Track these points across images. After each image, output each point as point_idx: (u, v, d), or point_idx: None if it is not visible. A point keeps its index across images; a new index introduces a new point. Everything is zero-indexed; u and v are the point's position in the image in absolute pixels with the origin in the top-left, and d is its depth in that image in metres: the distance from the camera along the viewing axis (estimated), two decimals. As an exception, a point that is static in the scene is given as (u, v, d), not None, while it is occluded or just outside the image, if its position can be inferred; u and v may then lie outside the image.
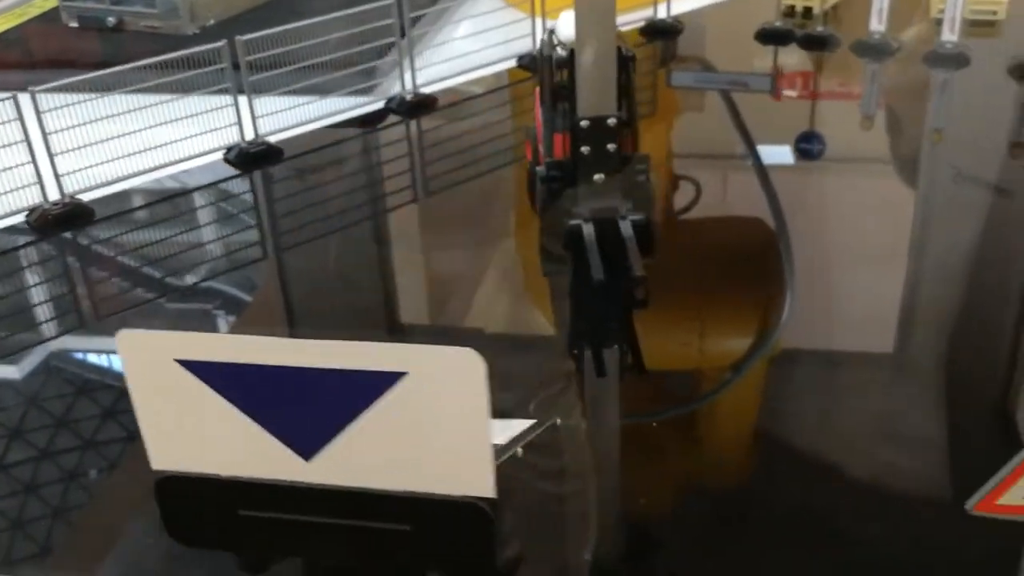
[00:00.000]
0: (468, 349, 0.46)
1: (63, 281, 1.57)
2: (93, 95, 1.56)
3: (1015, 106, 2.02)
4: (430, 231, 1.73)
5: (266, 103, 1.73)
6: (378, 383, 0.47)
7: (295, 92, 1.77)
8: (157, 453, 0.53)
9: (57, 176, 1.54)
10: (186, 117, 1.64)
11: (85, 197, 1.59)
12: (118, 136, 1.59)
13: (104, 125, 1.57)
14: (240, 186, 1.76)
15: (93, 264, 1.61)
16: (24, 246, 1.56)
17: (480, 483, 0.49)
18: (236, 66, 1.67)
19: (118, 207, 1.64)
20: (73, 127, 1.54)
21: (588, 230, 1.31)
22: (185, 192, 1.74)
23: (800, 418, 1.16)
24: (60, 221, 1.56)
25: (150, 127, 1.62)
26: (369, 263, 1.64)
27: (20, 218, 1.56)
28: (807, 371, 1.26)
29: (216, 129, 1.68)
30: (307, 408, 0.49)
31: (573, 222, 1.33)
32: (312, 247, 1.60)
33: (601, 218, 1.33)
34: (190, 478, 0.53)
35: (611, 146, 1.32)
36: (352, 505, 0.50)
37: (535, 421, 0.88)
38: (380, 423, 0.48)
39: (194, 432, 0.51)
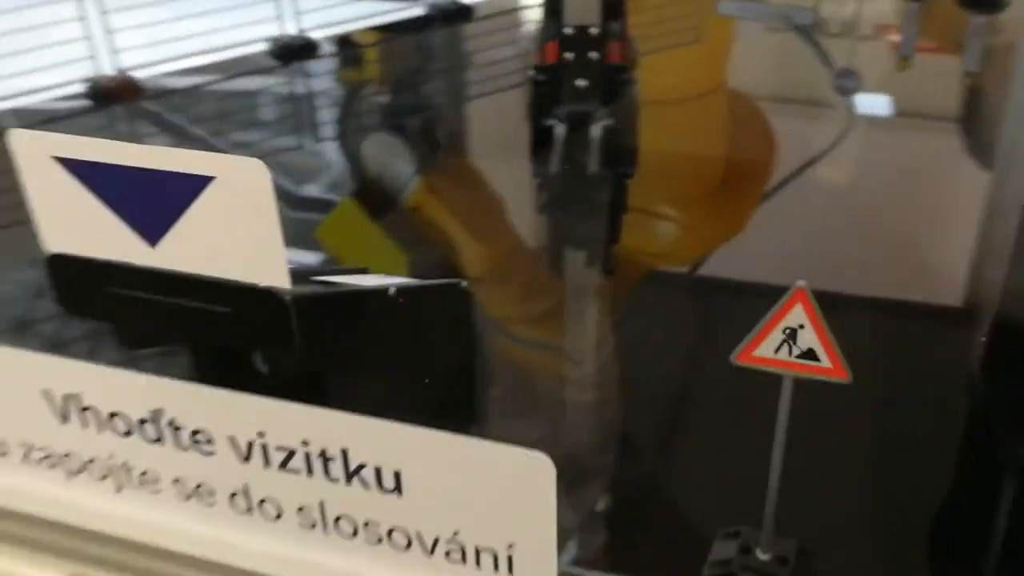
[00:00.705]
0: (256, 160, 0.58)
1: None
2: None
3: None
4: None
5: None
6: (196, 184, 0.59)
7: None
8: (47, 236, 0.66)
9: (111, 52, 1.71)
10: (232, 8, 1.78)
11: (137, 73, 1.76)
12: (168, 20, 1.75)
13: (156, 10, 1.72)
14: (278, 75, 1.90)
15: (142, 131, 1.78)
16: (80, 113, 1.74)
17: (278, 277, 0.62)
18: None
19: (166, 84, 1.81)
20: (129, 9, 1.69)
21: (560, 130, 1.40)
22: (228, 77, 1.89)
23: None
24: (112, 93, 1.73)
25: (200, 14, 1.77)
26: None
27: (80, 87, 1.74)
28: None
29: (258, 22, 1.82)
30: (150, 204, 0.62)
31: (548, 121, 1.42)
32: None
33: (573, 120, 1.42)
34: (70, 258, 0.67)
35: (593, 55, 1.42)
36: (184, 287, 0.63)
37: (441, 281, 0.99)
38: (199, 218, 0.60)
39: (70, 219, 0.65)
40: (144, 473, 0.75)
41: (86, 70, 1.71)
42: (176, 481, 0.74)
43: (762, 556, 0.74)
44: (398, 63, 2.06)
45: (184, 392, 0.68)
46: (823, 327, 0.63)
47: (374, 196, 1.60)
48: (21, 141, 0.61)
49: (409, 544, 0.68)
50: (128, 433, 0.73)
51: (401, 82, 2.00)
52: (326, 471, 0.67)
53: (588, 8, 1.40)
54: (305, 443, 0.67)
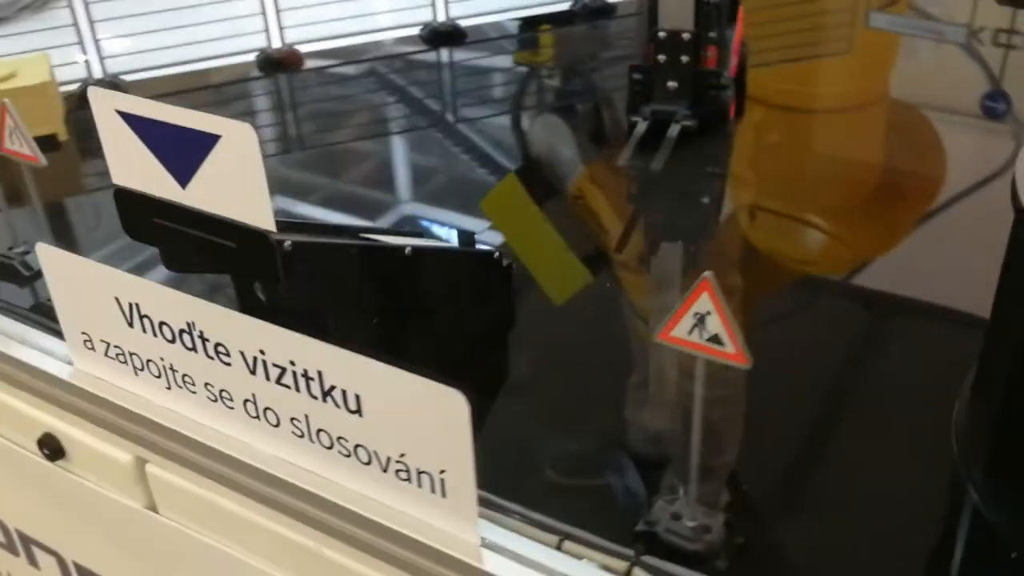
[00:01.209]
0: (244, 125, 0.72)
1: (275, 112, 1.97)
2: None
3: None
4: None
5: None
6: (208, 141, 0.74)
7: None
8: (113, 172, 0.83)
9: (280, 27, 1.93)
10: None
11: (301, 47, 1.97)
12: (331, 2, 1.94)
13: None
14: (428, 57, 2.06)
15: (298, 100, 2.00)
16: (249, 80, 1.97)
17: (264, 221, 0.75)
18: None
19: (323, 60, 2.01)
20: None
21: (640, 127, 1.48)
22: (378, 58, 2.06)
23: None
24: (277, 63, 1.95)
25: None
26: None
27: (251, 57, 1.96)
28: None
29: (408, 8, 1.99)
30: (180, 153, 0.77)
31: (633, 118, 1.52)
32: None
33: (656, 117, 1.51)
34: (128, 191, 0.83)
35: (684, 58, 1.49)
36: (206, 223, 0.78)
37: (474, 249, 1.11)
38: (213, 168, 0.74)
39: (128, 160, 0.81)
40: (185, 376, 0.91)
41: (260, 42, 1.94)
42: (207, 385, 0.90)
43: (688, 523, 0.82)
44: (572, 49, 2.16)
45: (207, 310, 0.84)
46: (726, 315, 0.70)
47: (537, 176, 1.69)
48: (96, 96, 0.78)
49: (369, 461, 0.81)
50: (172, 340, 0.89)
51: (572, 69, 2.12)
52: (308, 389, 0.81)
53: (681, 14, 1.47)
54: (292, 363, 0.80)
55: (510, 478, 0.93)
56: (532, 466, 0.98)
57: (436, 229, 1.54)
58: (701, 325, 0.72)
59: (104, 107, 0.77)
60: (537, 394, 1.09)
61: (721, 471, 0.93)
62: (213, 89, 1.99)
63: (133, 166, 0.79)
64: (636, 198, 1.53)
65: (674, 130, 1.48)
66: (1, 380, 1.12)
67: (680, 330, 0.73)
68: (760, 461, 0.97)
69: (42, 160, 1.11)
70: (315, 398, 0.81)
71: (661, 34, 1.49)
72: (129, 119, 0.76)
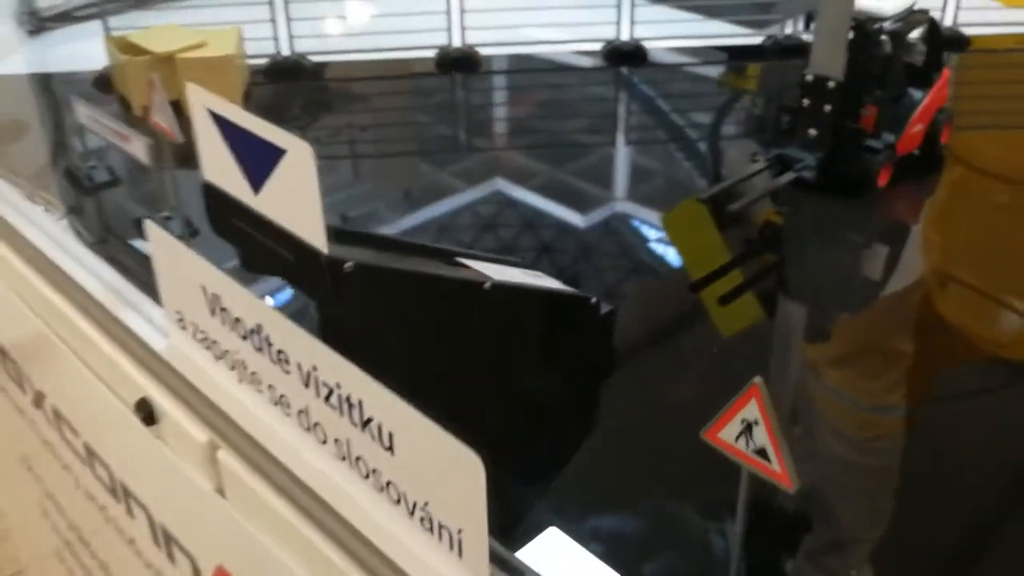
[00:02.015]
0: (303, 143, 0.70)
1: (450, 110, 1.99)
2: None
3: None
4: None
5: (648, 11, 1.95)
6: (277, 153, 0.73)
7: (683, 6, 1.96)
8: (203, 167, 0.84)
9: (463, 28, 1.93)
10: (574, 7, 1.93)
11: (481, 50, 1.97)
12: (516, 9, 1.93)
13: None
14: (603, 76, 2.02)
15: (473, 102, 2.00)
16: (424, 75, 2.00)
17: (316, 239, 0.74)
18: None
19: (499, 65, 2.00)
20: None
21: (756, 166, 1.44)
22: (556, 69, 2.04)
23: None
24: (455, 63, 1.96)
25: (545, 8, 1.93)
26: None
27: (431, 53, 1.98)
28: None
29: (593, 23, 1.94)
30: (254, 159, 0.76)
31: (754, 155, 1.48)
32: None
33: (779, 162, 1.45)
34: (214, 187, 0.84)
35: (828, 107, 1.41)
36: (273, 232, 0.78)
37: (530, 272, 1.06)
38: (280, 180, 0.74)
39: (215, 158, 0.81)
40: (253, 373, 0.92)
41: (440, 39, 1.95)
42: (270, 387, 0.90)
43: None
44: (776, 79, 2.09)
45: (271, 316, 0.84)
46: (774, 428, 0.63)
47: (723, 200, 1.67)
48: (192, 93, 0.79)
49: (399, 500, 0.79)
50: (244, 338, 0.90)
51: (773, 100, 2.04)
52: (350, 415, 0.79)
53: (830, 60, 1.39)
54: (338, 386, 0.79)
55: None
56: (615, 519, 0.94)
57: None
58: (748, 434, 0.65)
59: (198, 105, 0.78)
60: (636, 444, 1.04)
61: (863, 545, 0.86)
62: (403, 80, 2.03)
63: (219, 165, 0.80)
64: (746, 244, 1.45)
65: (786, 177, 1.43)
66: (114, 340, 1.18)
67: (727, 433, 0.66)
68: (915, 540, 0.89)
69: (178, 136, 1.15)
70: (355, 425, 0.79)
71: (808, 77, 1.43)
72: (219, 120, 0.77)
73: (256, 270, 0.89)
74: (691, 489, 0.99)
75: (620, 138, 1.86)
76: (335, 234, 0.75)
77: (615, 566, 0.87)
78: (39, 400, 1.58)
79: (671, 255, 1.42)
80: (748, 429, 0.66)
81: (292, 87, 1.97)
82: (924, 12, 1.50)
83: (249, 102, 1.84)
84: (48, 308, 1.34)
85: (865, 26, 1.41)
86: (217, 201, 0.82)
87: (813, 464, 1.00)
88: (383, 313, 0.81)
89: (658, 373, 1.16)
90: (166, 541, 1.30)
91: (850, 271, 1.40)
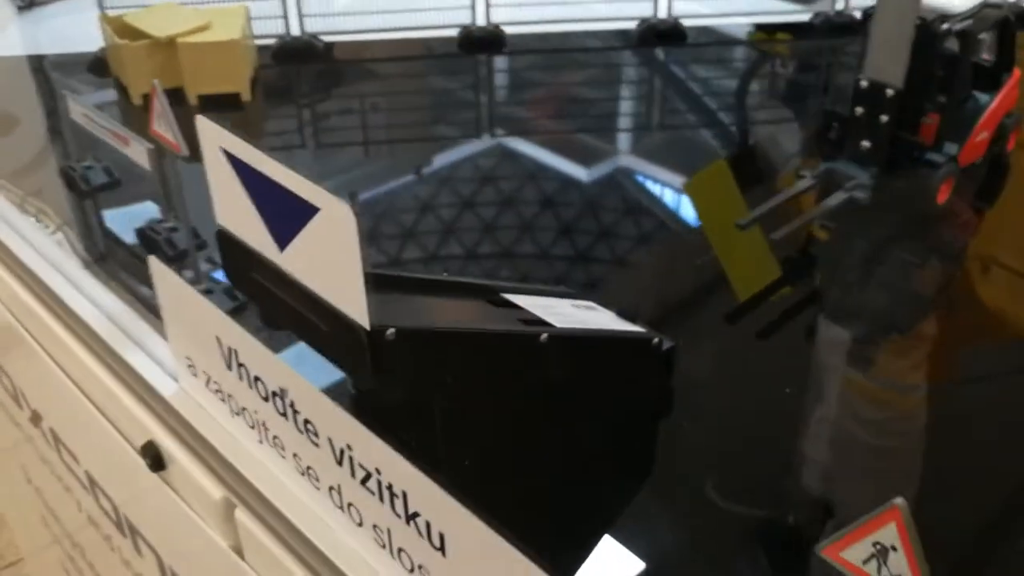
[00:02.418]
0: (341, 204, 0.58)
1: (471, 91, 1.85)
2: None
3: None
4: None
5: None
6: (309, 210, 0.61)
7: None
8: (217, 211, 0.72)
9: (488, 5, 1.80)
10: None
11: (507, 28, 1.83)
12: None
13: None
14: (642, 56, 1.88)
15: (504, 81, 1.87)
16: (445, 56, 1.86)
17: (357, 312, 0.61)
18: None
19: (526, 44, 1.86)
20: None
21: (804, 183, 1.28)
22: (589, 49, 1.90)
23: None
24: (481, 42, 1.83)
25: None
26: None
27: (452, 32, 1.85)
28: None
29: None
30: (281, 213, 0.64)
31: (801, 172, 1.30)
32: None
33: (827, 177, 1.27)
34: (228, 235, 0.72)
35: (884, 117, 1.22)
36: (300, 294, 0.66)
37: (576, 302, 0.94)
38: (312, 239, 0.62)
39: (230, 203, 0.69)
40: (276, 437, 0.81)
41: (463, 18, 1.82)
42: (295, 456, 0.79)
43: None
44: (809, 55, 1.96)
45: (298, 383, 0.72)
46: (917, 558, 0.51)
47: (750, 163, 1.58)
48: (203, 127, 0.66)
49: (451, 603, 0.68)
50: (266, 399, 0.78)
51: (808, 64, 1.92)
52: (392, 505, 0.68)
53: (890, 65, 1.19)
54: (378, 471, 0.67)
55: None
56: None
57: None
58: (882, 560, 0.53)
59: (211, 145, 0.66)
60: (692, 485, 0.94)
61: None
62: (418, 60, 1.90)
63: (236, 211, 0.68)
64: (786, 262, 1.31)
65: (836, 198, 1.24)
66: (116, 377, 1.06)
67: (853, 555, 0.55)
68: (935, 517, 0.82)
69: (183, 149, 1.03)
70: (398, 516, 0.68)
71: (863, 83, 1.22)
72: (235, 162, 0.65)
73: (277, 327, 0.77)
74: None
75: (650, 120, 1.74)
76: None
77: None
78: (36, 419, 1.47)
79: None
80: (882, 555, 0.54)
81: (303, 70, 1.84)
82: (998, 6, 1.31)
83: (257, 87, 1.70)
84: (43, 331, 1.22)
85: (932, 26, 1.20)
86: (234, 250, 0.70)
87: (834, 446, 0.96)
88: (429, 381, 0.69)
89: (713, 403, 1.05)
90: (178, 584, 1.20)
91: (900, 294, 1.27)
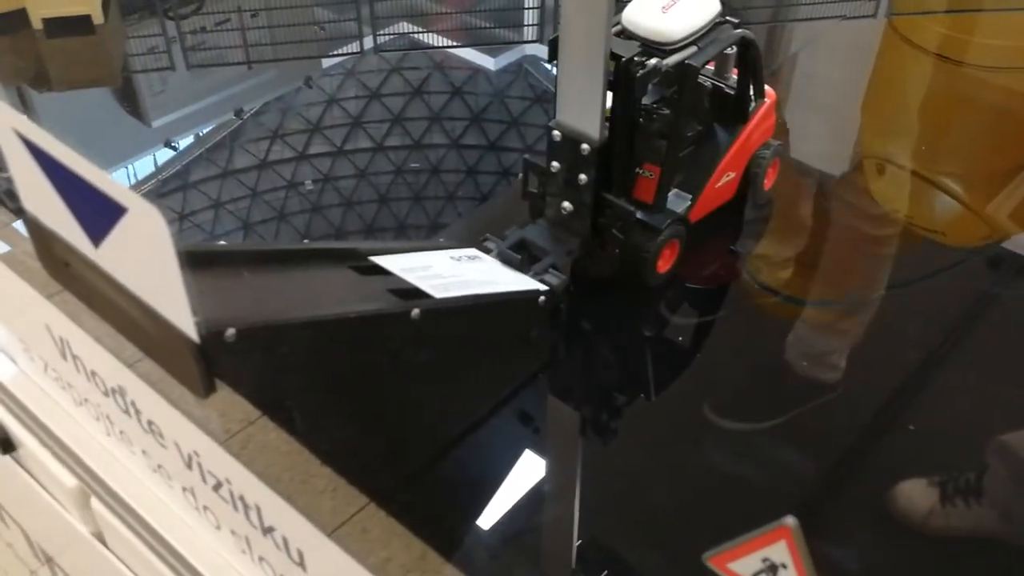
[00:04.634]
0: (149, 206, 0.50)
1: None
2: None
3: None
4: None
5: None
6: (117, 209, 0.53)
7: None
8: (22, 197, 0.63)
9: None
10: None
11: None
12: None
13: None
14: None
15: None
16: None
17: (179, 317, 0.54)
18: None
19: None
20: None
21: (481, 260, 0.93)
22: None
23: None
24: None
25: None
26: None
27: None
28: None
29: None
30: (90, 209, 0.56)
31: (485, 243, 0.96)
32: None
33: (515, 251, 0.95)
34: (36, 223, 0.63)
35: (584, 177, 0.93)
36: (118, 290, 0.58)
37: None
38: (124, 238, 0.54)
39: (35, 191, 0.60)
40: (122, 432, 0.73)
41: None
42: (144, 452, 0.72)
43: None
44: None
45: (135, 384, 0.65)
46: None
47: None
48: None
49: (317, 614, 0.63)
50: (106, 394, 0.71)
51: None
52: (247, 517, 0.62)
53: (583, 115, 0.90)
54: (228, 481, 0.61)
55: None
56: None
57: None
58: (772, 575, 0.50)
59: (5, 128, 0.56)
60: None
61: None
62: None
63: (43, 200, 0.59)
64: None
65: (521, 283, 0.89)
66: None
67: (741, 568, 0.51)
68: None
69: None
70: (255, 527, 0.62)
71: (555, 133, 0.93)
72: (33, 149, 0.55)
73: (108, 323, 0.69)
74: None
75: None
76: (193, 259, 0.55)
77: None
78: None
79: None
80: (772, 571, 0.51)
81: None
82: (733, 24, 1.00)
83: (111, 6, 1.55)
84: None
85: (630, 68, 0.90)
86: (46, 238, 0.61)
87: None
88: (287, 374, 0.62)
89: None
90: (47, 560, 1.13)
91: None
